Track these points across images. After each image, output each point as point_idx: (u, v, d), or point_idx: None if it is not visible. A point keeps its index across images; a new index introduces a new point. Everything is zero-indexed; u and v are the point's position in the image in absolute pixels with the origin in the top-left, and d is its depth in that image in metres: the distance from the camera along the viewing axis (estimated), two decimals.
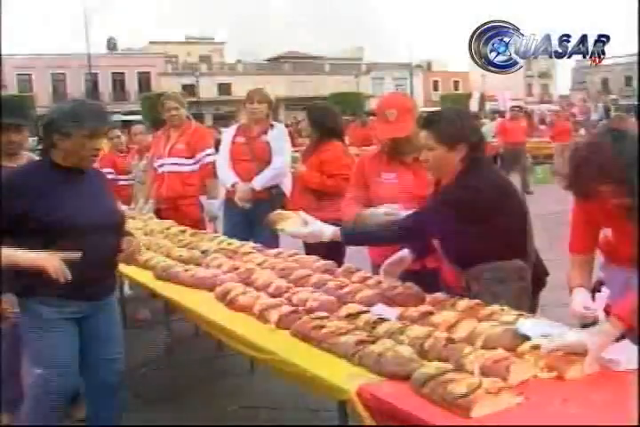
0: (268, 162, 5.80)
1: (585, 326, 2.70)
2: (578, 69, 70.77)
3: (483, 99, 45.55)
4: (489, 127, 21.62)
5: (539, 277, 3.29)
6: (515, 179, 13.79)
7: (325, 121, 5.25)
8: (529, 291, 3.20)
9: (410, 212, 3.46)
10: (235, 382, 4.69)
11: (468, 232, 3.12)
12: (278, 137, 5.90)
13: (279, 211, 3.51)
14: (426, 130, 3.23)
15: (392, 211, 3.75)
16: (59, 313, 3.24)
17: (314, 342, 2.73)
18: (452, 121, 3.21)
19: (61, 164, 3.28)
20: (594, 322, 2.67)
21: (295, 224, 3.32)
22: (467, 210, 3.08)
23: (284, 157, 5.79)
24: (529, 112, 23.11)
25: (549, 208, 10.52)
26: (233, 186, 5.81)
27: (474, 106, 25.59)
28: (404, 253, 3.54)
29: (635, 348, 2.38)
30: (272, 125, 5.95)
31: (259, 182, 5.75)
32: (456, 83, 72.36)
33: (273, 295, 3.38)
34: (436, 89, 70.80)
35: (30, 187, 3.21)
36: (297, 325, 2.88)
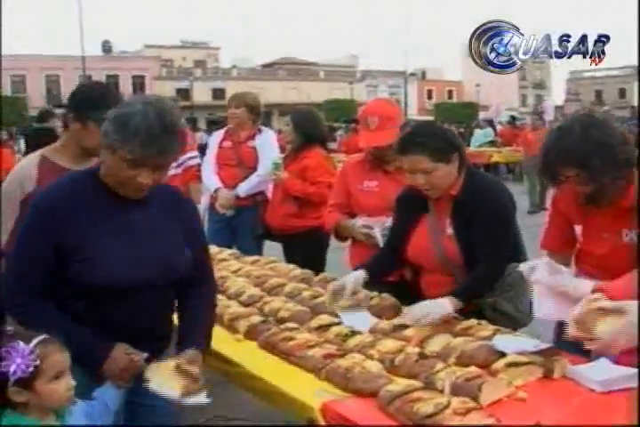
0: (254, 168, 5.67)
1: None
2: (572, 80, 71.07)
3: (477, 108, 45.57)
4: (481, 134, 21.62)
5: None
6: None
7: (308, 126, 5.11)
8: None
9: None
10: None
11: (482, 233, 3.04)
12: (265, 142, 5.76)
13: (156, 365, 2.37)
14: (410, 155, 3.03)
15: (369, 224, 3.71)
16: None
17: (282, 355, 2.64)
18: (435, 135, 3.08)
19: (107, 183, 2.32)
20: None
21: (170, 380, 2.40)
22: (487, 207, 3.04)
23: (270, 163, 5.68)
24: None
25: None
26: (215, 192, 5.70)
27: (491, 115, 25.08)
28: (360, 273, 3.20)
29: (613, 368, 2.30)
30: (260, 130, 5.82)
31: (243, 189, 5.62)
32: (450, 92, 72.50)
33: (245, 304, 3.28)
34: (430, 97, 70.87)
35: (69, 216, 2.26)
36: (265, 336, 2.78)
